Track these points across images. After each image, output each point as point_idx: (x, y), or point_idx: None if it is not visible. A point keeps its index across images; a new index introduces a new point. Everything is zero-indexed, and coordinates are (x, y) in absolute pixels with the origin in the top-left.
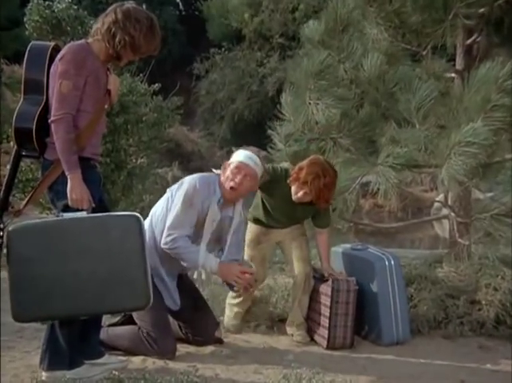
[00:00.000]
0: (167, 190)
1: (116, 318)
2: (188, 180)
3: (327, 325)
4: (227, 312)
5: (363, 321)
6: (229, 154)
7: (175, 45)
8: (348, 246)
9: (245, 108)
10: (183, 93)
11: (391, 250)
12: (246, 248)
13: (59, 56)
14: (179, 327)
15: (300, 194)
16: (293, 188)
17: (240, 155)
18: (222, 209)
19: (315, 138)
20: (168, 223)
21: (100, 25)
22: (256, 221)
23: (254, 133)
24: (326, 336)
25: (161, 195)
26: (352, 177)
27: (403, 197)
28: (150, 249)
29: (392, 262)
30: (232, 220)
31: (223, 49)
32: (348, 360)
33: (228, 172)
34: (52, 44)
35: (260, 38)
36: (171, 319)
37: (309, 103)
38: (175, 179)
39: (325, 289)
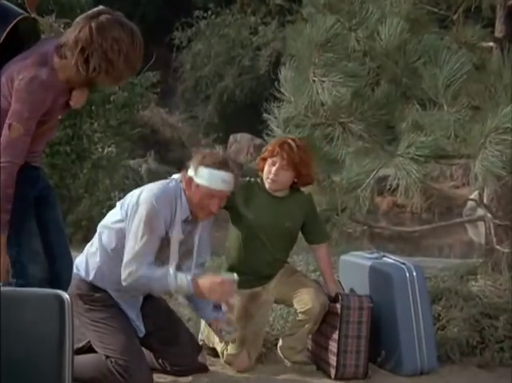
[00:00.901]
0: (117, 203)
1: (82, 342)
2: (144, 200)
3: (335, 350)
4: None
5: (379, 346)
6: (216, 142)
7: (150, 7)
8: (360, 254)
9: (235, 87)
10: (160, 68)
11: (414, 259)
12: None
13: (20, 75)
14: (154, 356)
15: (274, 170)
16: (265, 172)
17: (210, 179)
18: (188, 224)
19: (320, 123)
20: (126, 257)
21: (71, 43)
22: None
23: (246, 117)
24: (334, 363)
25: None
26: (365, 171)
27: (428, 194)
28: (102, 275)
29: (415, 274)
30: (201, 228)
31: (209, 14)
32: None
33: (198, 196)
34: (27, 15)
35: (254, 0)
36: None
37: (313, 80)
38: (150, 173)
39: (333, 306)
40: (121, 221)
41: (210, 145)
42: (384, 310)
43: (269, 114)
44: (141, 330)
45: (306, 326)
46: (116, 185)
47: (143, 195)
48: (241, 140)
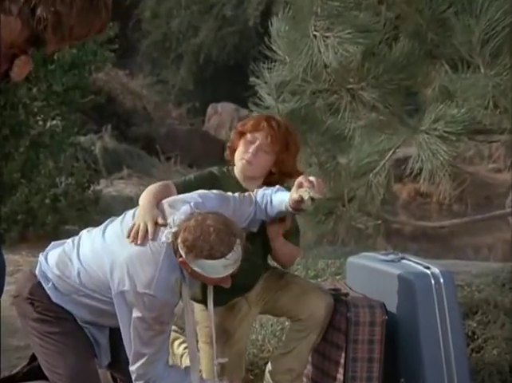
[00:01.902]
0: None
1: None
2: (135, 288)
3: (341, 377)
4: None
5: (396, 372)
6: (191, 114)
7: None
8: (373, 255)
9: (214, 43)
10: (118, 18)
11: (442, 261)
12: (204, 357)
13: None
14: (115, 381)
15: (252, 149)
16: (239, 151)
17: (210, 271)
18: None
19: (323, 89)
20: (133, 358)
21: None
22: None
23: (228, 82)
24: None
25: (84, 177)
26: (379, 150)
27: (460, 180)
28: (69, 294)
29: (442, 281)
30: None
31: None
32: None
33: (201, 279)
34: None
35: None
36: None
37: (314, 35)
38: (107, 153)
39: (337, 319)
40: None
41: (183, 117)
42: (403, 327)
43: (257, 78)
44: (107, 357)
45: (307, 338)
46: (62, 169)
47: (129, 283)
48: (222, 112)
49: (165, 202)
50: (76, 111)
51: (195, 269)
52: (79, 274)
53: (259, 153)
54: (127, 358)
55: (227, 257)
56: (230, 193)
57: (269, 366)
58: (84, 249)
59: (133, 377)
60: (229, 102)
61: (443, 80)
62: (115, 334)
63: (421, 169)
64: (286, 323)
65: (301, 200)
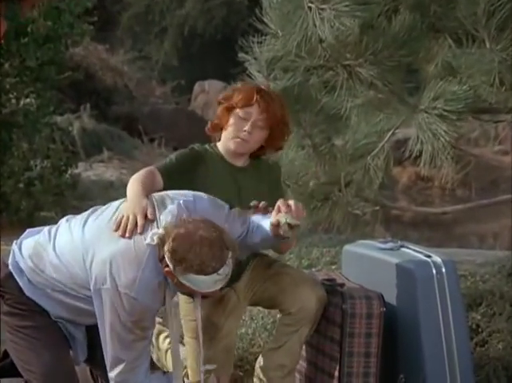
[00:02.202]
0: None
1: None
2: (116, 287)
3: (336, 372)
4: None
5: (395, 367)
6: (176, 92)
7: None
8: (371, 243)
9: (200, 15)
10: None
11: (445, 250)
12: (190, 352)
13: None
14: (91, 374)
15: (248, 126)
16: (232, 129)
17: (200, 286)
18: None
19: (318, 66)
20: (111, 366)
21: None
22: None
23: (216, 57)
24: None
25: (61, 159)
26: (378, 131)
27: (464, 163)
28: (43, 288)
29: (444, 270)
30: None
31: None
32: None
33: (187, 290)
34: None
35: None
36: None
37: (309, 7)
38: (85, 134)
39: (332, 312)
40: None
41: (168, 96)
42: (403, 319)
43: (247, 53)
44: (84, 353)
45: (299, 333)
46: (37, 151)
47: (109, 281)
48: (209, 90)
49: (154, 195)
50: (51, 88)
51: (183, 282)
52: (54, 267)
53: (255, 130)
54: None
55: (219, 272)
56: (225, 205)
57: (260, 361)
58: (61, 241)
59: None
60: (217, 79)
61: (446, 55)
62: (92, 329)
63: (421, 151)
64: (278, 316)
65: (277, 225)
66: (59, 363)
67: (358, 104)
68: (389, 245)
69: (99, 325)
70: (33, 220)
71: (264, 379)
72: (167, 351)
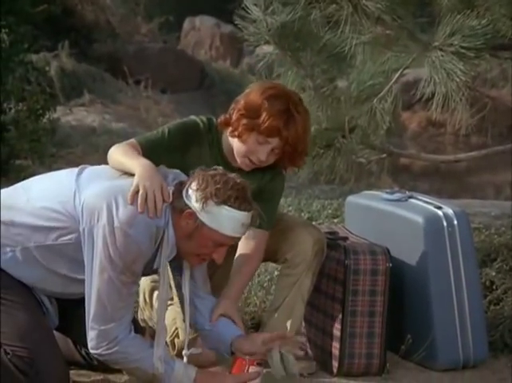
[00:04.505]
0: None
1: None
2: (110, 229)
3: (338, 333)
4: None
5: (402, 328)
6: (163, 29)
7: None
8: (376, 194)
9: None
10: None
11: (457, 201)
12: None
13: None
14: (74, 343)
15: (265, 155)
16: (246, 149)
17: (227, 223)
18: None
19: None
20: (93, 321)
21: None
22: None
23: None
24: (337, 353)
25: (37, 103)
26: (385, 71)
27: (479, 106)
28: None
29: (456, 223)
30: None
31: None
32: None
33: (199, 240)
34: None
35: None
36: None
37: None
38: (64, 75)
39: (334, 268)
40: (64, 231)
41: (155, 33)
42: (410, 276)
43: None
44: (54, 322)
45: (298, 285)
46: (10, 92)
47: (106, 216)
48: (201, 27)
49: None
50: (25, 22)
51: (206, 220)
52: (31, 207)
53: (270, 156)
54: (80, 315)
55: (249, 213)
56: None
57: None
58: (43, 183)
59: (94, 335)
60: (209, 15)
61: None
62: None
63: (433, 93)
64: (276, 273)
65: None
66: (36, 322)
67: (364, 41)
68: (396, 196)
69: (86, 270)
70: (8, 169)
71: None
72: None
